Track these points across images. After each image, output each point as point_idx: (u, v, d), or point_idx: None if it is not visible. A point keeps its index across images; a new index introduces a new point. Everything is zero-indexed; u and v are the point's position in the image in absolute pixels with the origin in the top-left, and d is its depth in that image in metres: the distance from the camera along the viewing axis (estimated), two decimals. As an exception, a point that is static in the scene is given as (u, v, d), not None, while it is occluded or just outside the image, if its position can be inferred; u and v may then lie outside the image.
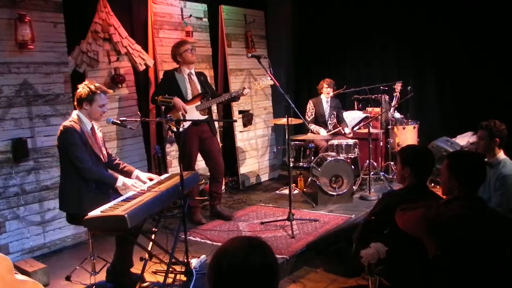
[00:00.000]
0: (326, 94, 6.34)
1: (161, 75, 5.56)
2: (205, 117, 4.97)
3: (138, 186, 3.48)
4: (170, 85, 4.88)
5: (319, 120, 6.36)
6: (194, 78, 4.99)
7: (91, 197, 3.33)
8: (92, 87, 3.42)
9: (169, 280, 3.47)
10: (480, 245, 2.33)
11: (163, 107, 4.93)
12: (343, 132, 6.26)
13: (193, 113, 4.85)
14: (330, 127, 6.39)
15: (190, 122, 4.73)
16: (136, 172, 3.66)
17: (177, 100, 4.75)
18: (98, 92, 3.43)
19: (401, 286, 2.74)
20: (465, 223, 2.36)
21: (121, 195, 3.43)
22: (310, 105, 6.41)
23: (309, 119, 6.29)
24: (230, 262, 1.43)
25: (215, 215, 5.17)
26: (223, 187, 5.92)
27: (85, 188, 3.36)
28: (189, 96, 4.90)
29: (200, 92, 4.94)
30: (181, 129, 4.70)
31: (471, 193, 2.50)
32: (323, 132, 6.19)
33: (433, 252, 2.43)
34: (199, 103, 4.90)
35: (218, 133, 5.31)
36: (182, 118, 4.71)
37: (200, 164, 5.92)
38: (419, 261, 2.55)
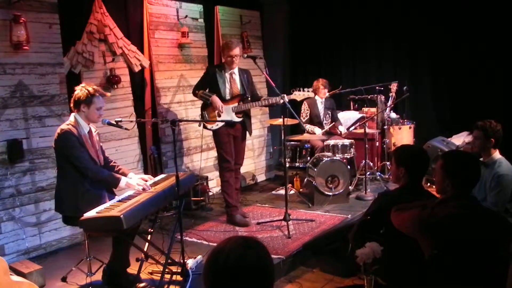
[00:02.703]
0: (322, 94, 6.33)
1: (157, 76, 5.57)
2: (240, 119, 4.91)
3: (142, 184, 3.47)
4: (210, 82, 4.86)
5: (314, 120, 6.35)
6: (236, 77, 4.94)
7: (87, 199, 3.32)
8: (90, 89, 3.42)
9: (165, 281, 3.47)
10: (475, 244, 2.33)
11: (202, 102, 4.92)
12: (338, 130, 6.27)
13: (228, 114, 4.83)
14: (326, 127, 6.39)
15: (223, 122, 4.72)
16: (131, 175, 3.65)
17: (215, 99, 4.73)
18: (97, 94, 3.43)
19: (397, 286, 2.74)
20: (459, 222, 2.36)
21: (116, 196, 3.44)
22: (305, 106, 6.40)
23: (304, 120, 6.29)
24: (225, 262, 1.44)
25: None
26: (218, 188, 5.91)
27: (81, 190, 3.35)
28: (228, 96, 4.86)
29: (240, 93, 4.91)
30: (215, 127, 4.74)
31: (465, 193, 2.50)
32: (318, 131, 6.18)
33: (428, 251, 2.43)
34: (236, 104, 4.87)
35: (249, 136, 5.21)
36: (218, 117, 4.75)
37: (196, 164, 5.92)
38: (415, 261, 2.56)
